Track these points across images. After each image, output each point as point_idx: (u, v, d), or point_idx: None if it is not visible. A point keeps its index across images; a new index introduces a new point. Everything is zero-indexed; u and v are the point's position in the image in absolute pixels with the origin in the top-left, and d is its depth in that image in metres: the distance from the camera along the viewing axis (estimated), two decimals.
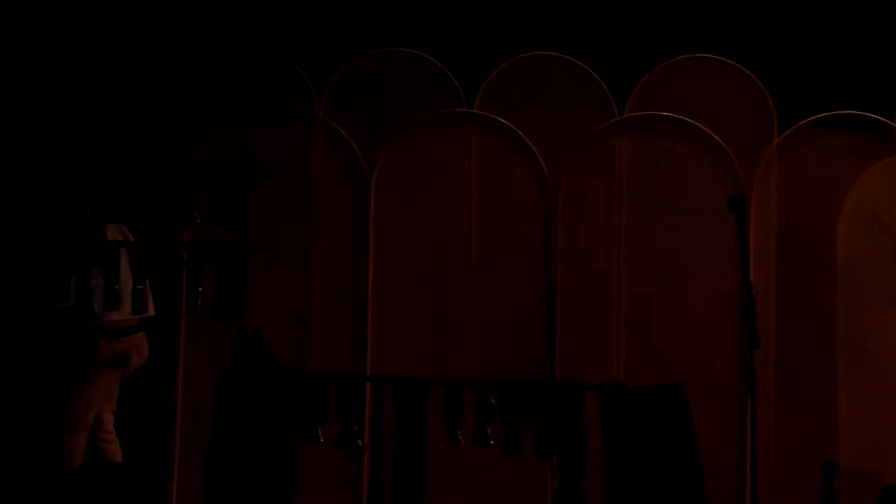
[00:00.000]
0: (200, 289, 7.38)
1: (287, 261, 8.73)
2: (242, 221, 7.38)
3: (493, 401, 7.25)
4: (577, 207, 8.85)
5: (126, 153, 8.58)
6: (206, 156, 8.72)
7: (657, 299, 8.76)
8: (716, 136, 8.81)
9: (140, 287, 7.50)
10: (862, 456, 8.49)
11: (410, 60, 8.96)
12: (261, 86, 8.92)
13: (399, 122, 8.89)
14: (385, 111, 8.94)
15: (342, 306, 8.81)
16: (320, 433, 7.29)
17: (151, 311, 7.81)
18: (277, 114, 8.88)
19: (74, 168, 7.72)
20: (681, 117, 8.83)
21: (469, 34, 9.02)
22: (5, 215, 7.74)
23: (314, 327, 8.81)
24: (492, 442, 7.23)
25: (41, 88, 8.68)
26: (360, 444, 7.30)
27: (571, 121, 8.92)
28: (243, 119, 8.79)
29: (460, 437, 7.25)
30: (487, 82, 8.96)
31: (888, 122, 8.79)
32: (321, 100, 8.95)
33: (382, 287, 8.81)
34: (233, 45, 8.90)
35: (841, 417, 8.64)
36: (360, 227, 8.84)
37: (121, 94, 8.76)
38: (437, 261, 8.84)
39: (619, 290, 8.78)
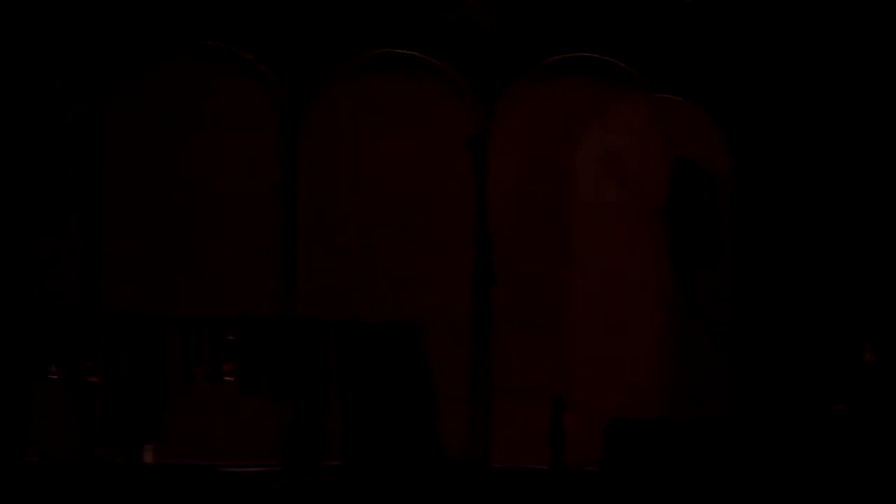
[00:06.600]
0: None
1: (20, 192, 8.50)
2: None
3: (230, 338, 7.25)
4: (319, 144, 8.84)
5: None
6: None
7: (397, 236, 8.79)
8: (454, 73, 8.85)
9: None
10: (591, 392, 8.72)
11: None
12: None
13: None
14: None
15: (74, 239, 8.57)
16: (53, 370, 7.19)
17: None
18: None
19: None
20: (418, 54, 8.83)
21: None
22: None
23: (42, 260, 8.53)
24: (227, 378, 7.23)
25: None
26: (93, 381, 7.23)
27: None
28: None
29: (195, 374, 7.24)
30: None
31: (622, 65, 8.97)
32: None
33: (117, 219, 8.61)
34: None
35: (571, 356, 8.86)
36: (94, 158, 8.65)
37: None
38: (171, 194, 8.68)
39: (360, 224, 8.78)
